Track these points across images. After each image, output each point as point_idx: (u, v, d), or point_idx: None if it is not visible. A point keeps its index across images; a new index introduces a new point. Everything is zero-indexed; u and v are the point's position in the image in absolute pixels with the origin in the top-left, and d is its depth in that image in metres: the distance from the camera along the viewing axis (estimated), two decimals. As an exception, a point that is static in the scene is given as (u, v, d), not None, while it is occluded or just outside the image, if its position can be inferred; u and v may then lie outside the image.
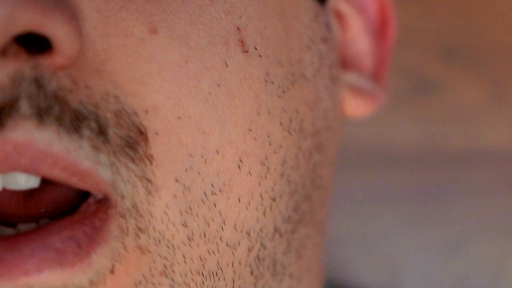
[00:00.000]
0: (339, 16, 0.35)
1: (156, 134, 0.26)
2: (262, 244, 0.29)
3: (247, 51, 0.28)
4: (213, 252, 0.28)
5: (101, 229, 0.26)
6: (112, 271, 0.26)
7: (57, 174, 0.25)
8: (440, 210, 0.56)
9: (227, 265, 0.28)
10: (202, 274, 0.28)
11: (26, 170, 0.25)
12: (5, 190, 0.27)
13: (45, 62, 0.25)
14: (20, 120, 0.25)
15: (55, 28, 0.24)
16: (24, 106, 0.25)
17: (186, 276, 0.27)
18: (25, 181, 0.26)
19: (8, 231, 0.26)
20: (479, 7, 0.56)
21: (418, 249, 0.56)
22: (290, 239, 0.31)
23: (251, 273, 0.29)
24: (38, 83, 0.25)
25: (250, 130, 0.28)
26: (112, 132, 0.25)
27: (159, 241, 0.26)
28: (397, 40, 0.39)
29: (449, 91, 0.57)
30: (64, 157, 0.25)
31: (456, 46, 0.56)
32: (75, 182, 0.25)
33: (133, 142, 0.26)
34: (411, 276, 0.56)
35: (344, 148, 0.36)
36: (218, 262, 0.28)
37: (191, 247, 0.27)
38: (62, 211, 0.27)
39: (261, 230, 0.29)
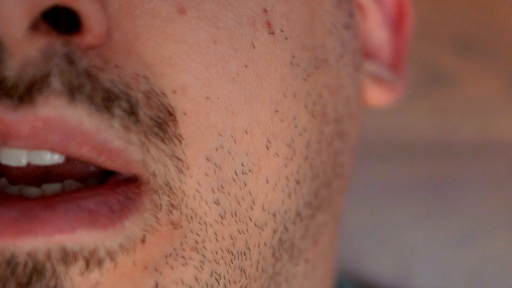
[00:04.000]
0: (359, 7, 0.36)
1: (185, 114, 0.26)
2: (285, 227, 0.30)
3: (273, 33, 0.28)
4: (243, 232, 0.28)
5: (134, 200, 0.26)
6: (143, 241, 0.26)
7: (85, 153, 0.25)
8: (452, 202, 0.56)
9: (254, 246, 0.29)
10: (232, 253, 0.28)
11: (53, 149, 0.25)
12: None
13: (75, 40, 0.25)
14: (51, 96, 0.24)
15: (84, 4, 0.24)
16: (56, 82, 0.25)
17: (216, 253, 0.27)
18: (50, 157, 0.26)
19: (34, 190, 0.26)
20: (493, 0, 0.56)
21: (431, 240, 0.56)
22: (309, 224, 0.31)
23: (273, 255, 0.30)
24: (70, 59, 0.25)
25: (277, 111, 0.28)
26: (142, 112, 0.25)
27: (191, 217, 0.27)
28: (412, 32, 0.39)
29: (463, 83, 0.57)
30: (94, 135, 0.25)
31: (470, 39, 0.56)
32: (103, 161, 0.25)
33: (162, 123, 0.26)
34: (423, 267, 0.56)
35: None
36: (246, 242, 0.28)
37: (223, 225, 0.27)
38: (88, 177, 0.27)
39: (285, 212, 0.29)
